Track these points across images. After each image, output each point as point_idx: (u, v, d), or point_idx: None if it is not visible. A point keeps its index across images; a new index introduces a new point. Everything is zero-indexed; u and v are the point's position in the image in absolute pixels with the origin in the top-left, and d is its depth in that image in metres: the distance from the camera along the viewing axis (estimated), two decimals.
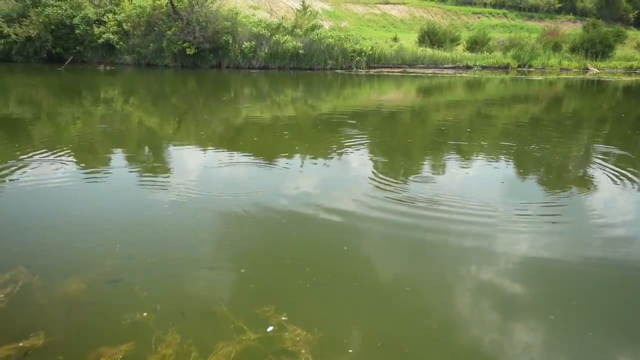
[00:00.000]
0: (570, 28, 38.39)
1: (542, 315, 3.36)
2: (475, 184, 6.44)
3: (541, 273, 3.95)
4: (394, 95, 17.08)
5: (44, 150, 7.53)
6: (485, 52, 28.23)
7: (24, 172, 6.43)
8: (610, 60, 28.69)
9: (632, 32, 36.69)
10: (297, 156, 7.62)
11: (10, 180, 6.11)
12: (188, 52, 22.37)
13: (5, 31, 23.87)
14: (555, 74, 25.70)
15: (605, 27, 33.47)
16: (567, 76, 24.71)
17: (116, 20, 23.79)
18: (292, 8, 31.00)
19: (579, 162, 7.81)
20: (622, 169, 7.17)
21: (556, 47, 29.45)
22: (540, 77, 23.51)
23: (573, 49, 29.19)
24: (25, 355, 2.87)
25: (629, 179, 6.72)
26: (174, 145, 8.26)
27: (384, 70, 24.59)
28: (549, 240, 4.55)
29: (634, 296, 3.69)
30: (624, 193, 6.13)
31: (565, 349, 3.03)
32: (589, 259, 4.24)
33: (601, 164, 7.45)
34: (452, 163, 7.41)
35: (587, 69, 27.47)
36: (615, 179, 6.73)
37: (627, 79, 23.87)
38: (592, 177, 6.80)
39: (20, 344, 2.96)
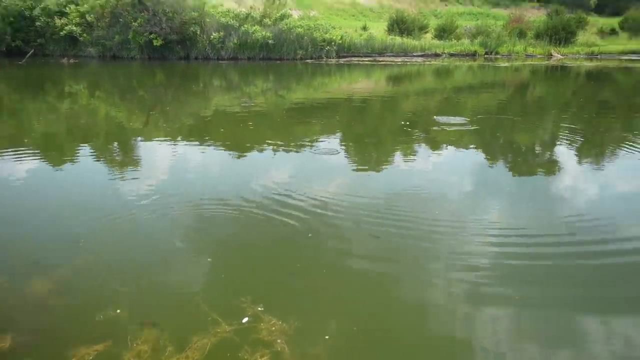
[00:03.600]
0: (535, 15, 39.11)
1: (509, 297, 3.46)
2: (445, 170, 6.55)
3: (509, 256, 4.05)
4: (365, 84, 17.13)
5: (6, 147, 7.28)
6: (453, 39, 28.59)
7: None
8: (572, 46, 29.42)
9: (592, 19, 37.65)
10: (266, 147, 7.59)
11: None
12: (155, 44, 21.89)
13: None
14: (521, 60, 26.20)
15: (567, 14, 34.24)
16: (533, 62, 25.23)
17: (79, 11, 23.03)
18: None
19: (544, 146, 8.02)
20: (585, 151, 7.41)
21: (521, 34, 30.05)
22: (506, 64, 23.93)
23: (537, 36, 29.83)
24: None
25: (594, 160, 6.95)
26: (142, 139, 8.10)
27: (353, 59, 24.59)
28: (518, 223, 4.67)
29: (597, 272, 3.83)
30: (588, 174, 6.35)
31: (532, 328, 3.14)
32: (555, 238, 4.37)
33: (565, 147, 7.68)
34: (422, 151, 7.51)
35: (551, 55, 28.09)
36: (580, 161, 6.96)
37: (588, 64, 24.53)
38: (557, 160, 7.01)
39: None
